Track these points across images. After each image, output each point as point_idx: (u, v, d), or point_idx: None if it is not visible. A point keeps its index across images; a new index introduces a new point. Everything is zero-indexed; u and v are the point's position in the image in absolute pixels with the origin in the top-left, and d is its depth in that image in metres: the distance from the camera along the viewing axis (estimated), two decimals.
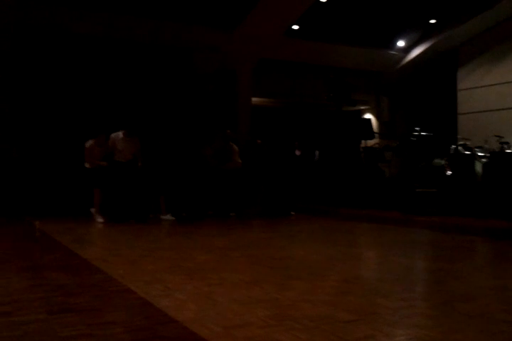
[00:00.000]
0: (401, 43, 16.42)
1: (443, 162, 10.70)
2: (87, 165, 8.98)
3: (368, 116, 17.85)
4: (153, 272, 4.35)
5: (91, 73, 12.50)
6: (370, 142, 13.35)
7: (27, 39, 11.85)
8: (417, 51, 16.58)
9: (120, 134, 9.20)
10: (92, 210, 9.05)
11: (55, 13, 11.89)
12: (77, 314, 3.03)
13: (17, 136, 11.06)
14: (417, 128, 11.92)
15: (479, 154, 10.74)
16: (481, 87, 15.38)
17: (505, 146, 11.27)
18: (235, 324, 2.86)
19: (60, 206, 10.27)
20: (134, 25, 12.68)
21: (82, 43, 12.48)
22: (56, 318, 2.94)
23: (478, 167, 10.33)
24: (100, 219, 8.81)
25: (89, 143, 8.94)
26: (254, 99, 15.46)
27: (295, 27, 14.38)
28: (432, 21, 15.31)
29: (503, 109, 14.54)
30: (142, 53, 13.20)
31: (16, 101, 11.53)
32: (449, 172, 10.31)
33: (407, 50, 16.76)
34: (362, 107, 17.84)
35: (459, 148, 11.07)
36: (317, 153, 13.30)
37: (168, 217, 9.38)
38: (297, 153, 12.64)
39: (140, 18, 12.67)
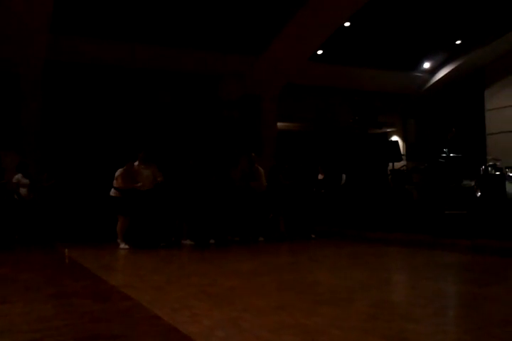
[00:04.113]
0: (427, 65, 16.41)
1: (472, 183, 10.54)
2: (111, 194, 9.09)
3: (394, 138, 17.76)
4: (180, 298, 4.33)
5: (119, 102, 12.78)
6: (398, 164, 13.24)
7: (57, 70, 12.18)
8: (443, 72, 16.53)
9: (137, 162, 9.31)
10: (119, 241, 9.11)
11: (84, 44, 12.22)
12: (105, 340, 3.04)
13: (47, 164, 11.30)
14: (445, 150, 11.80)
15: (510, 174, 10.56)
16: (509, 106, 15.21)
17: None
18: None
19: (88, 233, 10.41)
20: (159, 53, 12.94)
21: (110, 73, 12.79)
22: None
23: (509, 187, 10.15)
24: (124, 246, 8.86)
25: (119, 172, 9.06)
26: (279, 124, 15.52)
27: (319, 51, 14.49)
28: (458, 42, 15.28)
29: None
30: (168, 81, 13.44)
31: (46, 130, 11.83)
32: (478, 194, 10.13)
33: (432, 71, 16.71)
34: (388, 129, 17.77)
35: (489, 168, 10.90)
36: (344, 176, 13.20)
37: (188, 241, 9.51)
38: (320, 177, 12.57)
39: (165, 47, 12.92)
